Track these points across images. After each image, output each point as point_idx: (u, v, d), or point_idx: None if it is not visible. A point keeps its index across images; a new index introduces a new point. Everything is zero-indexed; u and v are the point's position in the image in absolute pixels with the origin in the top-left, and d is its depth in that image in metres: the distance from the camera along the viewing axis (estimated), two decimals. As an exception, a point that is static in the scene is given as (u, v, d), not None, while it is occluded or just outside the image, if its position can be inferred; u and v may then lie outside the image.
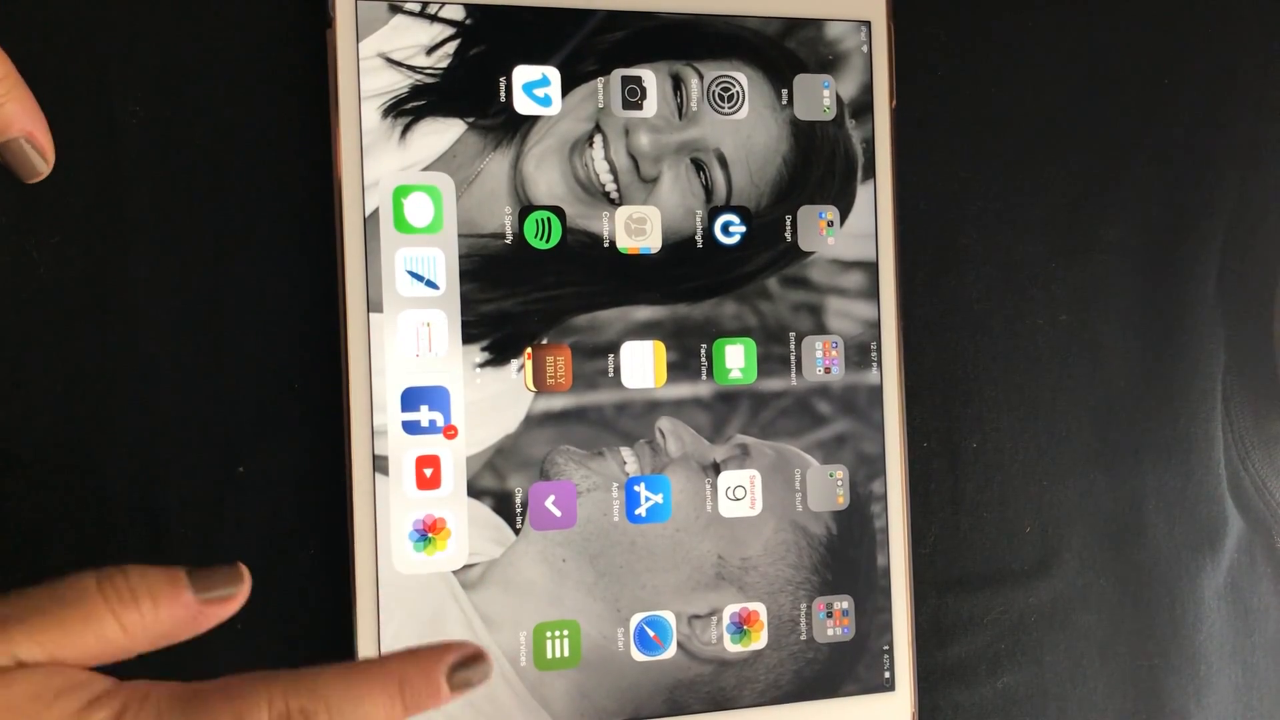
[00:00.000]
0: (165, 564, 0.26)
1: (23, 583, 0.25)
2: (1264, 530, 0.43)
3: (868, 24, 0.37)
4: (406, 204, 0.33)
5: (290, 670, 0.26)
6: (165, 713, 0.25)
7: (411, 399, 0.33)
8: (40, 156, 0.31)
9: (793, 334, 0.37)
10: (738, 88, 0.36)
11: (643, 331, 0.35)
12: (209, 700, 0.25)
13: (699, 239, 0.36)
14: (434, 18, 0.34)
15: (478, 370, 0.34)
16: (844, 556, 0.37)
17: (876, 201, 0.37)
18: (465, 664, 0.27)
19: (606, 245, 0.35)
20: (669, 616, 0.35)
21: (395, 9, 0.33)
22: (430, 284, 0.34)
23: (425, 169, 0.34)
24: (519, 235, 0.34)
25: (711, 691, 0.35)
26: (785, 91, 0.37)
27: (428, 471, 0.33)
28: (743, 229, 0.36)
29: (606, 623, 0.35)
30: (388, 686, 0.26)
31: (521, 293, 0.34)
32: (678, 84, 0.36)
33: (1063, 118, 0.41)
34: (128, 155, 0.33)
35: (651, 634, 0.35)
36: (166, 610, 0.27)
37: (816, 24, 0.37)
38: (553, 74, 0.35)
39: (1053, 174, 0.41)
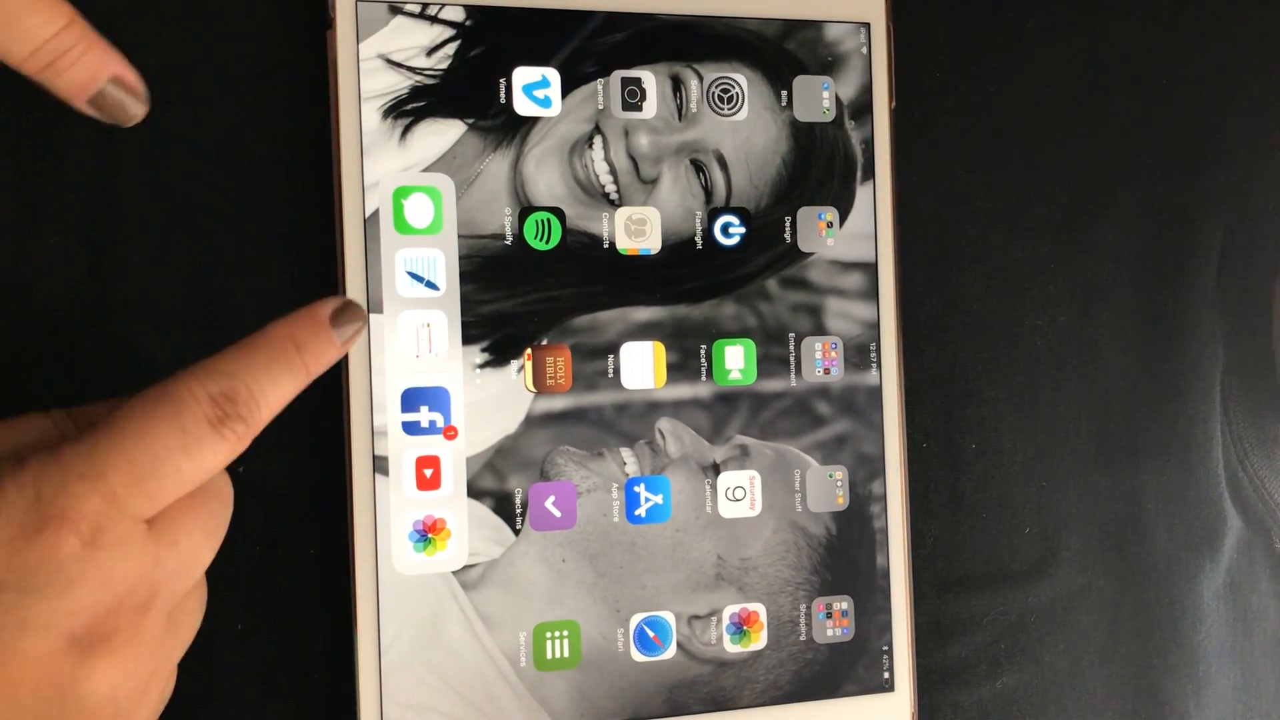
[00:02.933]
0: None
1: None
2: (1263, 531, 0.43)
3: (867, 25, 0.37)
4: (406, 205, 0.33)
5: (195, 363, 0.27)
6: (94, 455, 0.25)
7: (411, 399, 0.33)
8: (134, 97, 0.30)
9: (792, 335, 0.37)
10: (737, 89, 0.36)
11: (642, 332, 0.35)
12: (136, 422, 0.25)
13: (699, 240, 0.36)
14: (434, 19, 0.34)
15: (478, 371, 0.34)
16: (844, 557, 0.37)
17: (876, 202, 0.37)
18: (342, 313, 0.29)
19: (606, 246, 0.35)
20: (669, 617, 0.35)
21: (395, 10, 0.33)
22: (430, 285, 0.34)
23: (425, 170, 0.34)
24: (519, 236, 0.34)
25: (711, 692, 0.35)
26: (785, 93, 0.37)
27: (428, 472, 0.33)
28: (742, 230, 0.36)
29: (606, 623, 0.35)
30: (286, 351, 0.27)
31: (521, 293, 0.34)
32: (677, 85, 0.36)
33: (1062, 118, 0.41)
34: (128, 155, 0.33)
35: (651, 634, 0.35)
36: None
37: (816, 25, 0.37)
38: (552, 75, 0.35)
39: (1053, 174, 0.41)
